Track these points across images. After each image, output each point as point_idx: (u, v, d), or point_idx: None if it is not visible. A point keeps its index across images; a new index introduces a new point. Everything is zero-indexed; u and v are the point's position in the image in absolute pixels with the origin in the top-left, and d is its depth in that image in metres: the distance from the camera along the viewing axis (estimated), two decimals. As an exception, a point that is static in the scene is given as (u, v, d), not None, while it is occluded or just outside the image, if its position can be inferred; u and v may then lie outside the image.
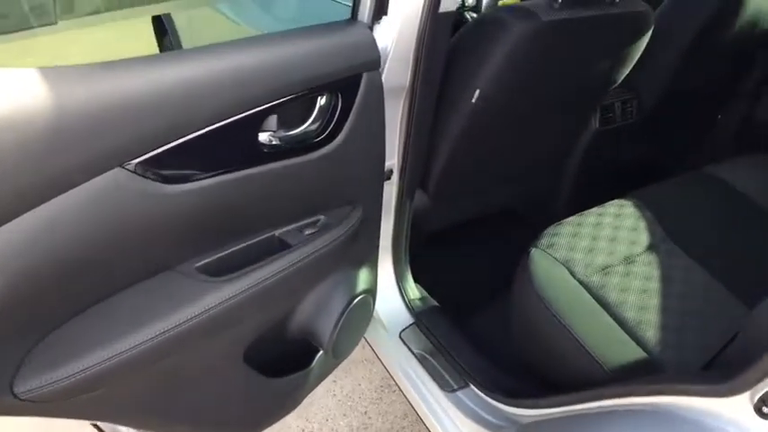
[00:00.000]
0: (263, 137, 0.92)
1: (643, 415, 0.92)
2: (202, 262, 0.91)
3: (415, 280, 1.62)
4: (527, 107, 1.45)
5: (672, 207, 1.60)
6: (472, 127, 1.37)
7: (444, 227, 1.73)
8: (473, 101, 1.30)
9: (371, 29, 1.06)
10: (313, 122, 0.97)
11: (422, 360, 1.44)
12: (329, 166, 1.00)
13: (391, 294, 1.54)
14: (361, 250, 1.20)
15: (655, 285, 1.37)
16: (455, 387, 1.37)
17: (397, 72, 1.18)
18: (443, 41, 1.21)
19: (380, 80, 1.04)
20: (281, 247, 1.00)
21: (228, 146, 0.87)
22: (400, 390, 1.49)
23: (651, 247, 1.46)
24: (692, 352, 1.25)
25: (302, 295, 1.08)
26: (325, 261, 1.04)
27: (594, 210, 1.53)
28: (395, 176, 1.37)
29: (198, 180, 0.84)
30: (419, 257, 1.72)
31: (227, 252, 0.94)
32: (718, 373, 0.85)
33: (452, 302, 1.65)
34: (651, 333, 1.27)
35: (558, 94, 1.50)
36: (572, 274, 1.36)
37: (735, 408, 0.81)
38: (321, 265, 1.04)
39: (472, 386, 1.35)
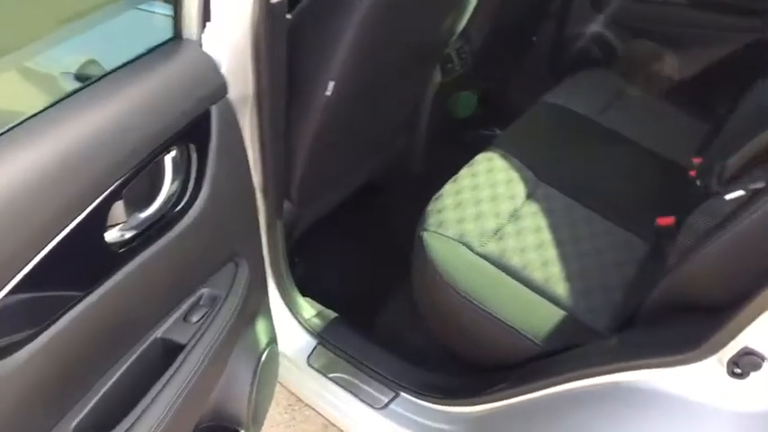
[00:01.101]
0: (112, 234, 0.69)
1: (609, 395, 0.89)
2: (78, 419, 0.68)
3: (303, 294, 1.46)
4: (383, 77, 1.31)
5: (532, 147, 1.58)
6: (329, 120, 1.21)
7: (311, 227, 1.58)
8: (327, 94, 1.14)
9: (202, 45, 0.84)
10: (168, 190, 0.75)
11: (340, 382, 1.31)
12: (199, 233, 0.79)
13: (285, 322, 1.37)
14: (255, 302, 1.02)
15: (547, 236, 1.35)
16: (386, 401, 1.26)
17: (237, 83, 0.98)
18: (282, 36, 1.02)
19: (232, 109, 0.84)
20: (171, 351, 0.78)
21: (66, 270, 0.63)
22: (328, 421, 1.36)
23: (529, 196, 1.43)
24: (600, 295, 1.26)
25: (211, 390, 0.88)
26: (226, 344, 0.85)
27: (465, 171, 1.47)
28: (258, 198, 1.18)
29: (33, 339, 0.60)
30: (298, 267, 1.56)
31: (108, 387, 0.71)
32: (675, 340, 0.83)
33: (350, 306, 1.52)
34: (561, 288, 1.25)
35: (410, 55, 1.39)
36: (470, 248, 1.29)
37: (705, 372, 0.79)
38: (223, 350, 0.85)
39: (404, 394, 1.25)
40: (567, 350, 1.13)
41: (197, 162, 0.76)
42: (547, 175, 1.49)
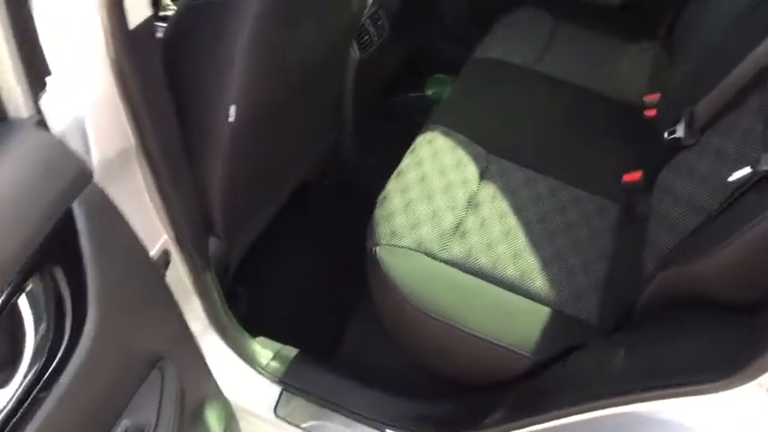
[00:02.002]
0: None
1: (629, 427, 0.76)
2: None
3: (254, 333, 1.28)
4: (292, 82, 1.11)
5: (474, 116, 1.42)
6: (239, 146, 1.02)
7: (248, 250, 1.38)
8: (230, 120, 0.94)
9: (41, 114, 0.63)
10: (34, 342, 0.55)
11: (317, 431, 1.15)
12: (98, 367, 0.60)
13: (241, 374, 1.20)
14: (196, 397, 0.84)
15: (512, 221, 1.20)
16: (373, 444, 1.12)
17: (112, 140, 0.78)
18: (155, 66, 0.81)
19: (103, 194, 0.63)
20: None
21: None
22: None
23: (483, 176, 1.28)
24: (582, 278, 1.13)
25: None
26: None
27: (408, 162, 1.29)
28: (175, 257, 0.99)
29: None
30: (242, 300, 1.37)
31: None
32: (702, 359, 0.70)
33: (309, 334, 1.36)
34: (539, 281, 1.12)
35: (319, 49, 1.18)
36: (431, 255, 1.13)
37: (744, 400, 0.66)
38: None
39: None
40: (563, 356, 1.00)
41: (69, 286, 0.56)
42: (497, 146, 1.34)
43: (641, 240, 1.15)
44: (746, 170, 0.74)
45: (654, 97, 1.46)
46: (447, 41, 2.02)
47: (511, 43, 1.63)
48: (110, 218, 0.62)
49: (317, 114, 1.35)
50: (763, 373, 0.63)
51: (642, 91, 1.55)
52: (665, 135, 1.14)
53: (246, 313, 1.33)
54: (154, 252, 0.93)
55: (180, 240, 0.98)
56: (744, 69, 0.99)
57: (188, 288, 1.06)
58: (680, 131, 1.11)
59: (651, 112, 1.44)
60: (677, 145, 1.13)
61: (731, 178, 0.76)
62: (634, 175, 1.28)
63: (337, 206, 1.62)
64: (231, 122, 0.93)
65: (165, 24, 1.29)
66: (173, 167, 0.89)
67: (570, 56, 1.61)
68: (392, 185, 1.24)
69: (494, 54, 1.60)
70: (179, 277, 1.04)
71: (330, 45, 1.25)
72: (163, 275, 0.93)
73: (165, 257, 0.97)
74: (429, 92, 2.05)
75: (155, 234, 0.94)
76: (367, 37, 1.50)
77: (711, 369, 0.68)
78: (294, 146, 1.31)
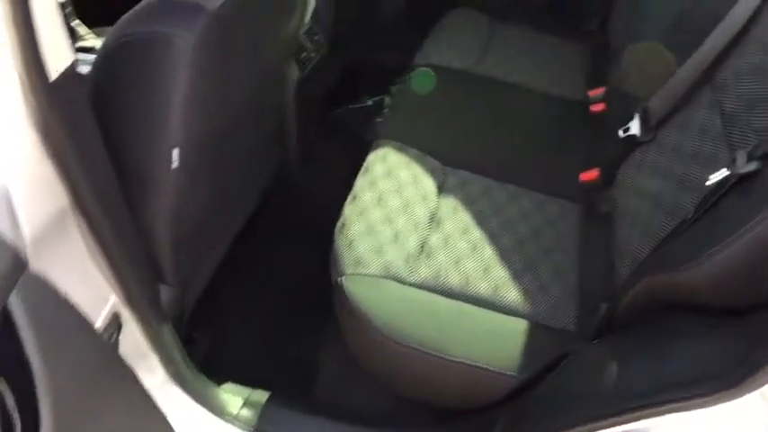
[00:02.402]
0: None
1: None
2: None
3: (218, 380, 1.20)
4: (235, 115, 1.04)
5: (423, 127, 1.38)
6: (186, 191, 0.94)
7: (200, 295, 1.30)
8: (174, 166, 0.86)
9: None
10: None
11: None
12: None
13: (210, 428, 1.12)
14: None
15: (477, 234, 1.17)
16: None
17: (40, 205, 0.70)
18: (85, 116, 0.73)
19: (40, 281, 0.55)
20: None
21: None
22: None
23: (442, 190, 1.24)
24: (556, 284, 1.11)
25: None
26: None
27: (362, 183, 1.24)
28: (127, 316, 0.91)
29: None
30: (200, 345, 1.29)
31: None
32: (697, 368, 0.68)
33: (278, 370, 1.29)
34: (513, 294, 1.09)
35: (259, 74, 1.12)
36: (400, 281, 1.09)
37: (745, 411, 0.64)
38: None
39: None
40: (548, 371, 0.97)
41: (15, 398, 0.48)
42: (451, 157, 1.31)
43: (607, 239, 1.14)
44: (723, 172, 0.72)
45: (598, 92, 1.46)
46: (384, 49, 1.98)
47: (450, 47, 1.60)
48: (53, 308, 0.54)
49: (260, 141, 1.28)
50: (766, 383, 0.61)
51: (583, 86, 1.55)
52: (620, 132, 1.13)
53: (206, 358, 1.25)
54: (103, 319, 0.84)
55: (130, 299, 0.90)
56: (693, 65, 0.99)
57: (144, 345, 0.98)
58: (635, 128, 1.10)
59: (598, 107, 1.44)
60: (633, 141, 1.12)
61: (708, 182, 0.74)
62: (591, 174, 1.27)
63: (291, 234, 1.55)
64: (175, 167, 0.85)
65: (86, 56, 1.19)
66: (115, 224, 0.81)
67: (510, 56, 1.60)
68: (349, 210, 1.19)
69: (434, 60, 1.57)
70: (133, 337, 0.95)
71: (270, 69, 1.18)
72: (115, 347, 0.84)
73: (115, 322, 0.89)
74: (369, 101, 2.01)
75: (102, 298, 0.85)
76: (305, 54, 1.44)
77: (711, 380, 0.66)
78: (241, 177, 1.23)
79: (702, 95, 0.98)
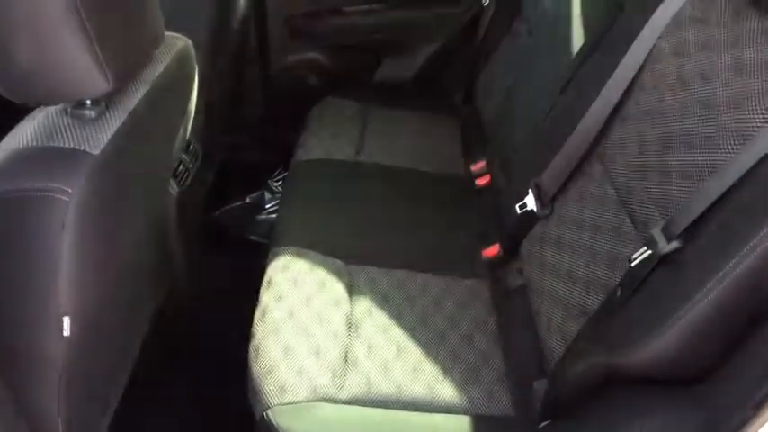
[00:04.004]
0: None
1: None
2: None
3: None
4: (124, 253, 0.93)
5: (319, 226, 1.34)
6: (78, 358, 0.81)
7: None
8: (66, 334, 0.74)
9: None
10: None
11: None
12: None
13: None
14: None
15: (397, 333, 1.13)
16: None
17: None
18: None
19: None
20: None
21: None
22: None
23: (352, 291, 1.20)
24: (487, 371, 1.09)
25: None
26: None
27: (268, 297, 1.16)
28: None
29: None
30: None
31: None
32: None
33: None
34: (448, 390, 1.05)
35: (144, 208, 1.02)
36: (332, 401, 1.01)
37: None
38: None
39: None
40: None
41: None
42: (353, 254, 1.27)
43: (525, 312, 1.15)
44: (644, 251, 0.75)
45: (480, 165, 1.51)
46: (254, 145, 1.95)
47: (328, 139, 1.59)
48: None
49: (148, 274, 1.16)
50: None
51: (464, 160, 1.60)
52: (517, 209, 1.16)
53: None
54: None
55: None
56: (578, 138, 1.04)
57: None
58: (531, 203, 1.13)
59: (483, 181, 1.48)
60: (531, 216, 1.15)
61: (633, 263, 0.76)
62: (492, 250, 1.28)
63: (193, 364, 1.41)
64: (67, 336, 0.73)
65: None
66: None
67: (389, 140, 1.62)
68: (260, 330, 1.10)
69: (314, 154, 1.55)
70: None
71: (154, 198, 1.09)
72: None
73: None
74: (248, 199, 1.94)
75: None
76: (182, 166, 1.35)
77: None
78: (136, 320, 1.11)
79: (592, 167, 1.03)
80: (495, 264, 1.29)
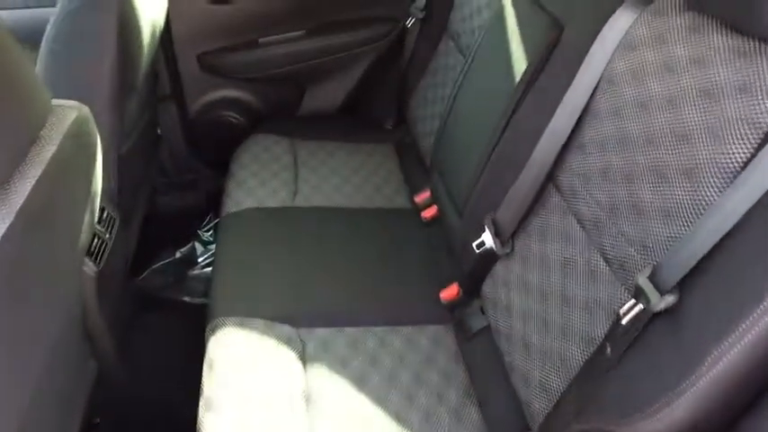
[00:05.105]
0: None
1: None
2: None
3: None
4: (36, 364, 0.79)
5: (261, 287, 1.21)
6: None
7: None
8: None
9: None
10: None
11: None
12: None
13: None
14: None
15: (360, 400, 1.03)
16: None
17: None
18: None
19: None
20: None
21: None
22: None
23: (305, 360, 1.08)
24: (461, 428, 1.00)
25: None
26: None
27: (211, 382, 1.03)
28: None
29: None
30: None
31: None
32: None
33: None
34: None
35: (57, 298, 0.87)
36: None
37: None
38: None
39: None
40: None
41: None
42: (301, 315, 1.15)
43: (493, 359, 1.06)
44: (634, 304, 0.67)
45: (425, 196, 1.42)
46: (183, 193, 1.80)
47: (258, 185, 1.46)
48: None
49: (73, 365, 1.01)
50: None
51: (406, 191, 1.51)
52: (474, 248, 1.07)
53: None
54: None
55: None
56: (532, 170, 0.96)
57: None
58: (489, 242, 1.05)
59: (429, 213, 1.39)
60: (491, 255, 1.06)
61: (624, 320, 0.68)
62: (450, 292, 1.19)
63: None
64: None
65: None
66: None
67: (324, 177, 1.50)
68: (208, 423, 0.96)
69: (245, 203, 1.41)
70: None
71: (67, 289, 0.93)
72: None
73: None
74: (178, 254, 1.78)
75: None
76: (97, 240, 1.19)
77: None
78: (65, 414, 0.95)
79: (551, 199, 0.95)
80: (455, 305, 1.19)
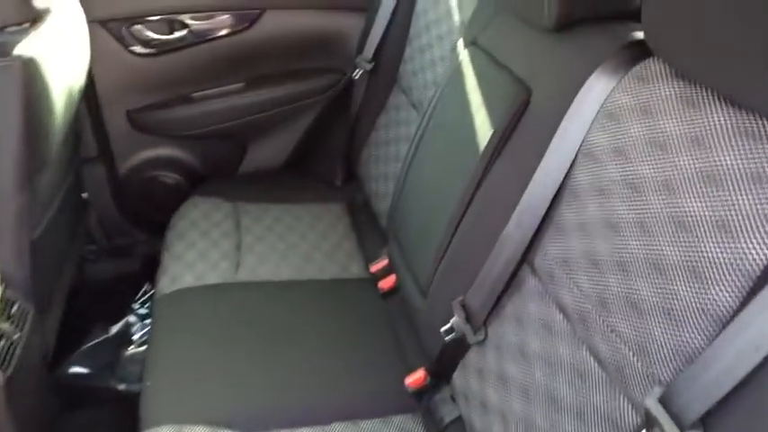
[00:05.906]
0: None
1: None
2: None
3: None
4: None
5: (201, 384, 1.06)
6: None
7: None
8: None
9: None
10: None
11: None
12: None
13: None
14: None
15: None
16: None
17: None
18: None
19: None
20: None
21: None
22: None
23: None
24: None
25: None
26: None
27: None
28: None
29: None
30: None
31: None
32: None
33: None
34: None
35: None
36: None
37: None
38: None
39: None
40: None
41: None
42: (251, 416, 1.00)
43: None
44: (635, 418, 0.56)
45: (382, 264, 1.30)
46: (115, 262, 1.63)
47: (196, 257, 1.31)
48: None
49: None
50: None
51: (361, 257, 1.39)
52: (442, 334, 0.96)
53: None
54: None
55: None
56: (506, 249, 0.85)
57: None
58: (459, 328, 0.93)
59: (387, 284, 1.27)
60: (461, 342, 0.95)
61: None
62: (417, 379, 1.07)
63: None
64: None
65: None
66: None
67: (271, 246, 1.37)
68: None
69: (182, 281, 1.26)
70: None
71: None
72: None
73: None
74: (111, 331, 1.60)
75: None
76: (5, 341, 1.02)
77: None
78: None
79: (526, 283, 0.84)
80: (422, 392, 1.07)
